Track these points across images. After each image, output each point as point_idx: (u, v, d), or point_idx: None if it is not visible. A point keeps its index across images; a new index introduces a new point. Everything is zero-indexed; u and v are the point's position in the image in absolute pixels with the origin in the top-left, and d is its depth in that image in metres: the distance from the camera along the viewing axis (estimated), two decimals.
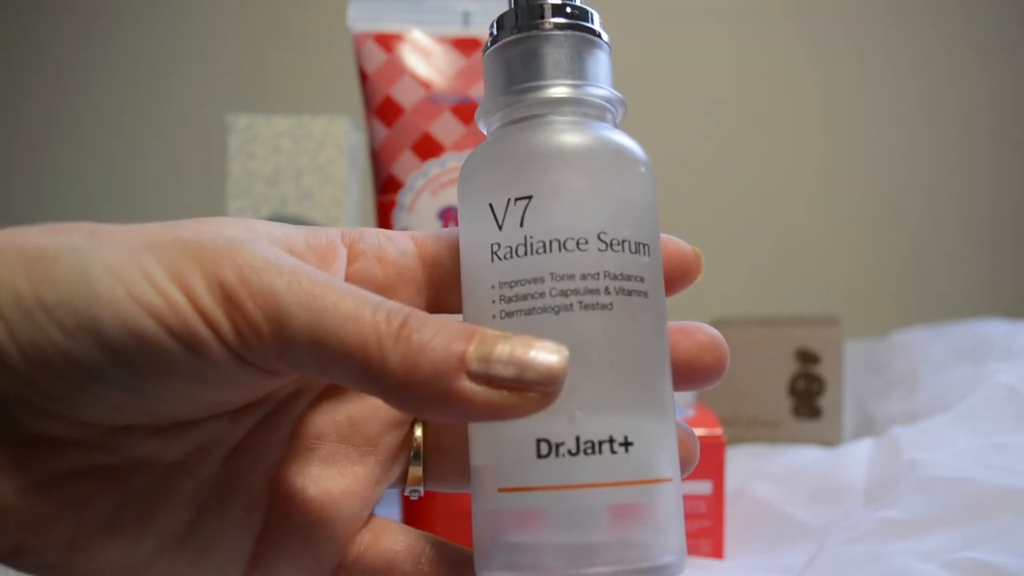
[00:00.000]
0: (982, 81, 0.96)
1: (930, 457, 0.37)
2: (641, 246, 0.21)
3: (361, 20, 0.45)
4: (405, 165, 0.43)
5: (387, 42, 0.45)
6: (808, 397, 0.56)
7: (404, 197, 0.43)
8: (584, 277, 0.20)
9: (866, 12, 0.96)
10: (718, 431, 0.38)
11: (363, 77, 0.45)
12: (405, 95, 0.44)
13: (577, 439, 0.19)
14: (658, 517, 0.20)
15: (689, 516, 0.38)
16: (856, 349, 0.69)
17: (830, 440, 0.55)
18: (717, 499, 0.38)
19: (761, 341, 0.57)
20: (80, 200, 0.96)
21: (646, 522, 0.20)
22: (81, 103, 0.97)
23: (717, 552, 0.38)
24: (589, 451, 0.19)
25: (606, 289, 0.20)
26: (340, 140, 0.49)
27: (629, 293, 0.20)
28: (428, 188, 0.43)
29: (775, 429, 0.57)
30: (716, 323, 0.61)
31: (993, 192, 0.97)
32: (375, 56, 0.45)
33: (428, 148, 0.43)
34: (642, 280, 0.21)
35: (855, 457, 0.45)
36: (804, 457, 0.49)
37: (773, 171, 0.98)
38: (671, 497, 0.20)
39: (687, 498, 0.38)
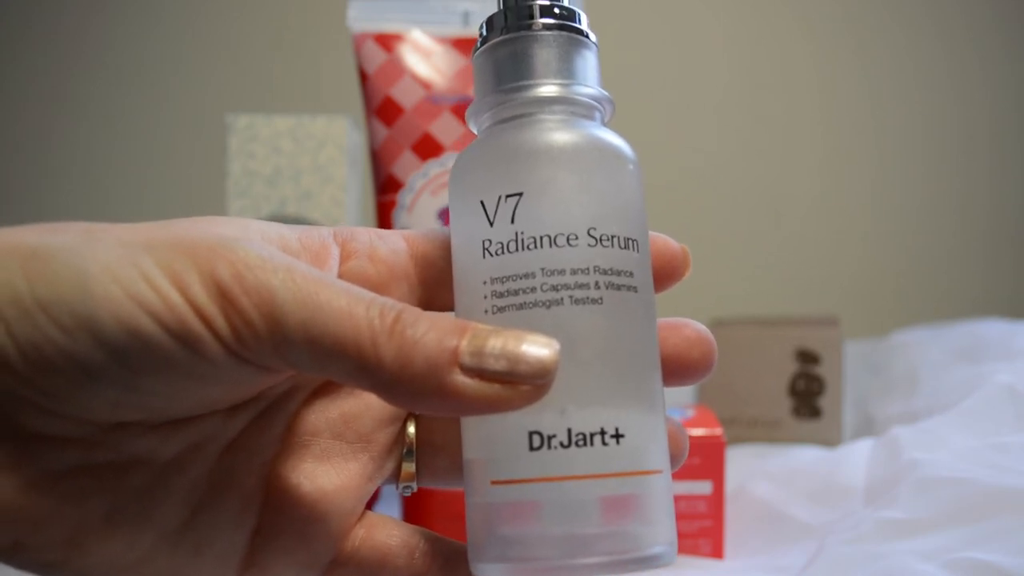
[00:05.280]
0: (983, 81, 0.96)
1: (930, 457, 0.37)
2: (630, 242, 0.21)
3: (361, 20, 0.45)
4: (405, 165, 0.43)
5: (387, 42, 0.45)
6: (808, 397, 0.56)
7: (404, 197, 0.43)
8: (574, 272, 0.20)
9: (867, 10, 0.96)
10: (718, 431, 0.38)
11: (363, 77, 0.45)
12: (405, 95, 0.44)
13: (569, 431, 0.20)
14: (649, 508, 0.20)
15: (689, 516, 0.38)
16: (856, 349, 0.69)
17: (830, 440, 0.55)
18: (717, 499, 0.38)
19: (761, 341, 0.57)
20: (80, 200, 0.96)
21: (637, 513, 0.20)
22: (81, 103, 0.97)
23: (717, 552, 0.38)
24: (581, 443, 0.20)
25: (596, 284, 0.20)
26: (340, 140, 0.49)
27: (619, 288, 0.21)
28: (428, 188, 0.43)
29: (775, 429, 0.57)
30: (716, 323, 0.61)
31: (993, 192, 0.97)
32: (375, 56, 0.45)
33: (428, 148, 0.43)
34: (631, 275, 0.21)
35: (855, 457, 0.44)
36: (804, 457, 0.49)
37: (773, 171, 0.98)
38: (662, 489, 0.21)
39: (687, 498, 0.38)
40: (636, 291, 0.21)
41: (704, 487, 0.38)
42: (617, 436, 0.20)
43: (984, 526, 0.32)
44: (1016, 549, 0.29)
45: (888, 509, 0.35)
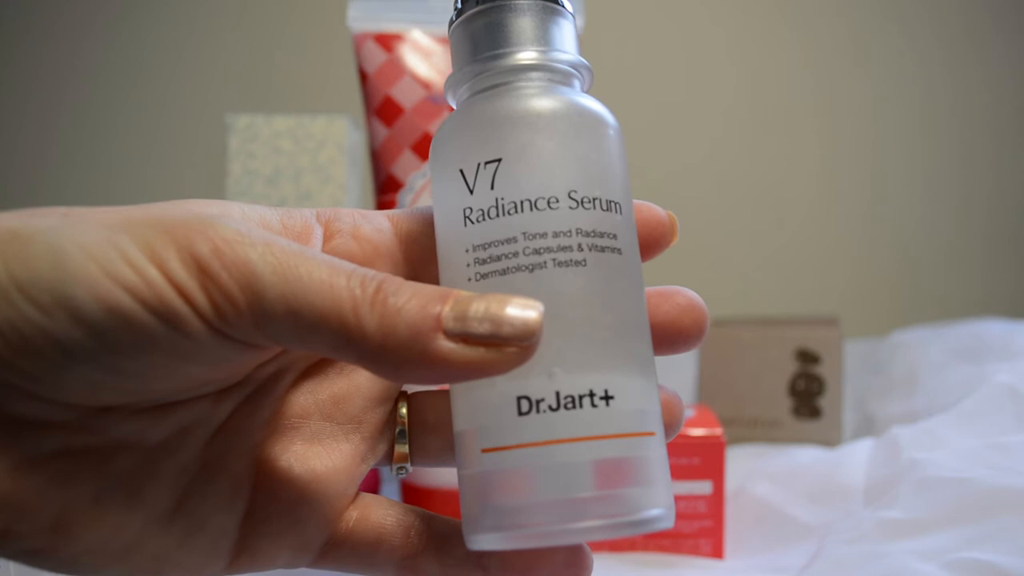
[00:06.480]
0: (981, 81, 0.96)
1: (930, 457, 0.37)
2: (612, 204, 0.21)
3: (361, 20, 0.45)
4: (405, 165, 0.43)
5: (387, 42, 0.45)
6: (808, 397, 0.56)
7: (404, 197, 0.43)
8: (556, 235, 0.20)
9: (865, 13, 0.97)
10: (718, 431, 0.38)
11: (363, 77, 0.45)
12: (405, 95, 0.44)
13: (557, 394, 0.19)
14: (644, 471, 0.20)
15: (689, 516, 0.38)
16: (856, 349, 0.69)
17: (830, 440, 0.55)
18: (717, 499, 0.38)
19: (761, 341, 0.57)
20: (80, 200, 0.96)
21: (632, 476, 0.20)
22: (81, 103, 0.97)
23: (717, 552, 0.38)
24: (570, 406, 0.19)
25: (579, 246, 0.20)
26: (340, 140, 0.49)
27: (603, 250, 0.20)
28: (428, 188, 0.43)
29: (775, 429, 0.57)
30: (716, 323, 0.61)
31: (993, 192, 0.97)
32: (375, 56, 0.45)
33: (428, 148, 0.43)
34: (615, 237, 0.21)
35: (855, 457, 0.44)
36: (804, 457, 0.49)
37: (773, 171, 0.98)
38: (656, 451, 0.20)
39: (687, 498, 0.38)
40: (620, 253, 0.21)
41: (704, 487, 0.38)
42: (607, 398, 0.19)
43: (984, 526, 0.32)
44: (1016, 549, 0.29)
45: (888, 509, 0.35)
